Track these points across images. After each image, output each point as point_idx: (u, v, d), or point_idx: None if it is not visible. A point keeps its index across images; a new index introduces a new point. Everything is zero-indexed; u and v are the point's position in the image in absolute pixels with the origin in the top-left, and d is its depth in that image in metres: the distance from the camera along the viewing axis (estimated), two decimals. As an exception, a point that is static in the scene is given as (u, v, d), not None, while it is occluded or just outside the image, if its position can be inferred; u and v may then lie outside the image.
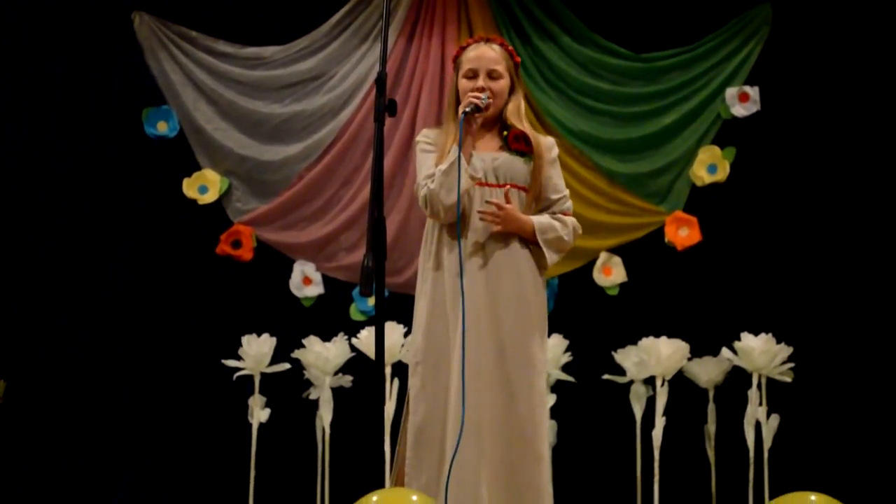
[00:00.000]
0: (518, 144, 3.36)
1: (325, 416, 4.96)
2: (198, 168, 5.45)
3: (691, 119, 5.42)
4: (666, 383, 4.96)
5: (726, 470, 5.02)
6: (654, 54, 5.45)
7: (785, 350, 4.91)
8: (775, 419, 4.88)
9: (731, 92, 5.37)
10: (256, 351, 4.98)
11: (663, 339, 4.97)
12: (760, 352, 4.87)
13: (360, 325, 5.12)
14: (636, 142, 5.43)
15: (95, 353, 5.31)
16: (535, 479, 3.24)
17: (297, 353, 5.05)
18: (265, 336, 5.01)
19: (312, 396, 5.04)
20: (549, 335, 3.78)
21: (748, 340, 4.91)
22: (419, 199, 3.32)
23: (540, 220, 3.33)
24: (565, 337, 5.03)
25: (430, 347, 3.29)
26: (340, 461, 4.97)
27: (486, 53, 3.39)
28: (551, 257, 3.34)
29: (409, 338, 3.57)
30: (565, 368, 5.01)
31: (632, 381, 5.06)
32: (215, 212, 5.44)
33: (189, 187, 5.42)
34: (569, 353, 5.02)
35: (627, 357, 5.03)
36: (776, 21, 5.38)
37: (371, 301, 5.30)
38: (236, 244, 5.42)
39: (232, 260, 5.42)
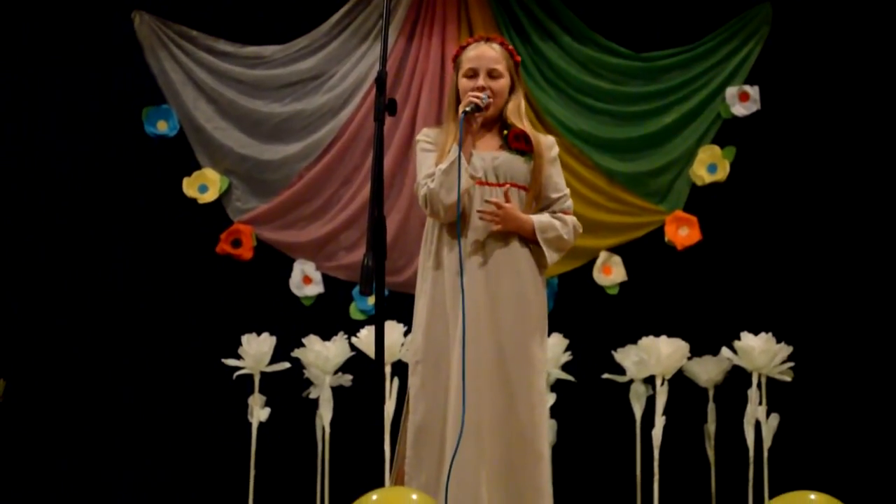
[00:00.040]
0: (518, 143, 3.36)
1: (325, 415, 4.96)
2: (198, 167, 5.45)
3: (691, 118, 5.42)
4: (666, 382, 4.96)
5: (726, 469, 5.02)
6: (654, 53, 5.45)
7: (785, 349, 4.91)
8: (775, 418, 4.88)
9: (731, 91, 5.37)
10: (256, 350, 4.98)
11: (663, 338, 4.97)
12: (760, 351, 4.87)
13: (360, 325, 5.12)
14: (636, 141, 5.43)
15: (95, 351, 5.31)
16: (534, 479, 3.24)
17: (296, 353, 5.05)
18: (265, 335, 5.01)
19: (312, 395, 5.04)
20: (548, 334, 3.78)
21: (748, 340, 4.91)
22: (419, 199, 3.32)
23: (540, 218, 3.33)
24: (565, 336, 5.03)
25: (430, 346, 3.29)
26: (340, 460, 4.97)
27: (487, 53, 3.39)
28: (551, 256, 3.34)
29: (409, 337, 3.57)
30: (565, 367, 5.01)
31: (631, 381, 5.06)
32: (215, 211, 5.44)
33: (189, 186, 5.42)
34: (569, 353, 5.02)
35: (627, 356, 5.03)
36: (776, 20, 5.38)
37: (371, 300, 5.30)
38: (236, 243, 5.42)
39: (232, 259, 5.42)
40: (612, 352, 5.07)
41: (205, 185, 5.43)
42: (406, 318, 3.79)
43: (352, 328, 5.08)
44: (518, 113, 3.40)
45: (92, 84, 5.43)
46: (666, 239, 5.37)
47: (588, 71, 5.46)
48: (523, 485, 3.23)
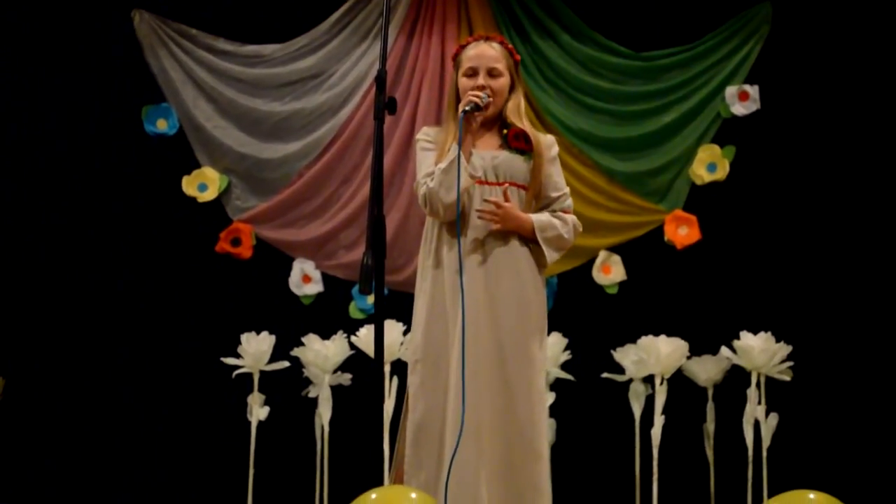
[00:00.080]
0: (518, 143, 3.35)
1: (325, 414, 4.96)
2: (197, 166, 5.45)
3: (691, 118, 5.42)
4: (665, 382, 4.96)
5: (725, 468, 5.02)
6: (653, 53, 5.45)
7: (784, 349, 4.91)
8: (774, 418, 4.88)
9: (730, 90, 5.37)
10: (256, 349, 4.98)
11: (662, 337, 4.97)
12: (759, 350, 4.87)
13: (360, 323, 5.12)
14: (636, 140, 5.43)
15: (95, 350, 5.31)
16: (534, 478, 3.24)
17: (296, 351, 5.05)
18: (264, 334, 5.01)
19: (311, 394, 5.04)
20: (548, 333, 3.78)
21: (747, 339, 4.91)
22: (419, 198, 3.32)
23: (539, 218, 3.33)
24: (564, 335, 5.03)
25: (430, 345, 3.28)
26: (339, 459, 4.97)
27: (486, 52, 3.38)
28: (551, 255, 3.34)
29: (409, 336, 3.57)
30: (564, 367, 5.01)
31: (631, 380, 5.06)
32: (215, 210, 5.43)
33: (188, 185, 5.42)
34: (568, 352, 5.03)
35: (626, 355, 5.03)
36: (776, 19, 5.38)
37: (370, 299, 5.30)
38: (236, 242, 5.41)
39: (231, 258, 5.42)
40: (612, 351, 5.07)
41: (204, 184, 5.43)
42: (405, 317, 3.79)
43: (351, 327, 5.08)
44: (518, 112, 3.39)
45: (91, 82, 5.43)
46: (665, 238, 5.37)
47: (588, 70, 5.46)
48: (523, 484, 3.23)
